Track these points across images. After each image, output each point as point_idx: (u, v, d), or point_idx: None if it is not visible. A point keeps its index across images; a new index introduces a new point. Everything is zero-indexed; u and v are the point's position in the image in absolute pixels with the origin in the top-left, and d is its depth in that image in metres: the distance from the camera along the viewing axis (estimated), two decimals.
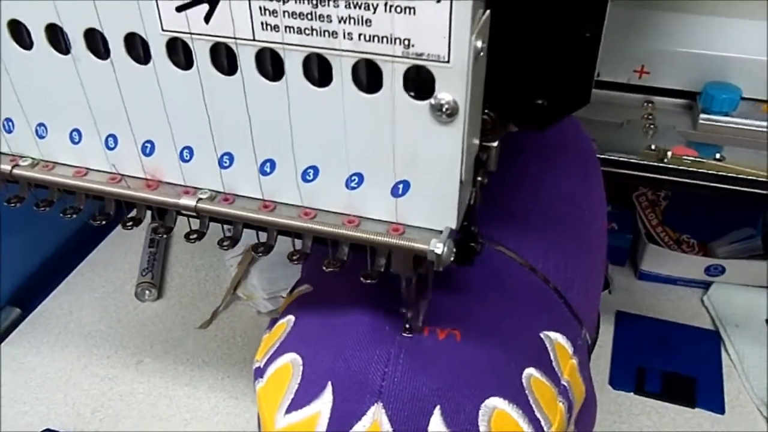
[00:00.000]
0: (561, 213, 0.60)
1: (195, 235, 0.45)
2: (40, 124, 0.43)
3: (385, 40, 0.33)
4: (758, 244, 0.87)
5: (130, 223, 0.46)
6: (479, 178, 0.40)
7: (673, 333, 0.82)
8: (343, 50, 0.34)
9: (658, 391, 0.76)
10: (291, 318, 0.52)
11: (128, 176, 0.43)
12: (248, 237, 0.45)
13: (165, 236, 0.46)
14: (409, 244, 0.39)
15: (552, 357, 0.50)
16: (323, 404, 0.44)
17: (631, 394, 0.76)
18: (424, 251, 0.38)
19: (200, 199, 0.42)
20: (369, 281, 0.42)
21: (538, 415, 0.45)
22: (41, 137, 0.44)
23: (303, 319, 0.52)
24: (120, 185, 0.43)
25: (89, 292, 0.89)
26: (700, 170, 0.69)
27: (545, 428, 0.45)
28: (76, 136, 0.43)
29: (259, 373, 0.51)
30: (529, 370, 0.47)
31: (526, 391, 0.46)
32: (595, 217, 0.64)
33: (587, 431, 0.55)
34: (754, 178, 0.67)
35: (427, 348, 0.46)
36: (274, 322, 0.55)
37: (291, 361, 0.48)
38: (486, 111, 0.38)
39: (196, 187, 0.43)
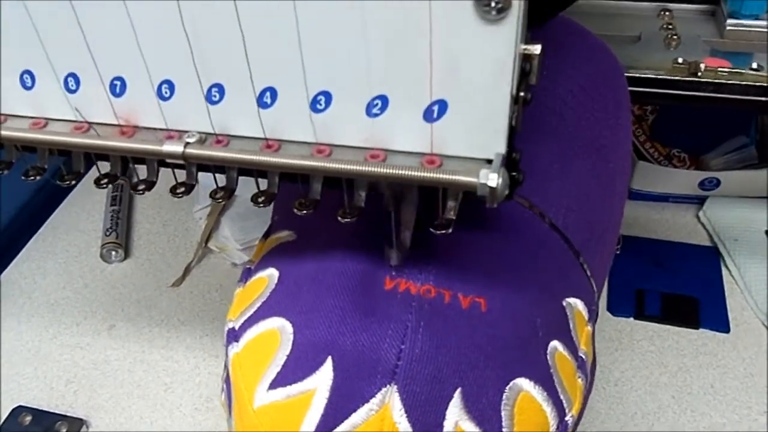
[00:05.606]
0: (580, 145, 0.53)
1: (183, 189, 0.38)
2: None
3: None
4: (753, 152, 0.84)
5: (105, 181, 0.39)
6: (522, 94, 0.34)
7: (669, 252, 0.79)
8: None
9: (659, 314, 0.73)
10: (273, 273, 0.46)
11: (97, 123, 0.37)
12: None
13: (145, 192, 0.40)
14: (451, 178, 0.32)
15: (572, 326, 0.46)
16: (320, 381, 0.39)
17: (631, 319, 0.72)
18: (471, 185, 0.32)
19: (188, 143, 0.35)
20: (347, 219, 0.37)
21: (561, 396, 0.42)
22: None
23: (288, 275, 0.46)
24: (88, 135, 0.36)
25: (52, 258, 0.84)
26: (740, 82, 0.63)
27: (566, 410, 0.42)
28: (28, 79, 0.36)
29: (234, 335, 0.45)
30: (554, 344, 0.44)
31: (551, 369, 0.42)
32: (619, 148, 0.57)
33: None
34: None
35: (449, 319, 0.41)
36: (248, 273, 0.49)
37: (279, 328, 0.42)
38: None
39: (181, 130, 0.36)
